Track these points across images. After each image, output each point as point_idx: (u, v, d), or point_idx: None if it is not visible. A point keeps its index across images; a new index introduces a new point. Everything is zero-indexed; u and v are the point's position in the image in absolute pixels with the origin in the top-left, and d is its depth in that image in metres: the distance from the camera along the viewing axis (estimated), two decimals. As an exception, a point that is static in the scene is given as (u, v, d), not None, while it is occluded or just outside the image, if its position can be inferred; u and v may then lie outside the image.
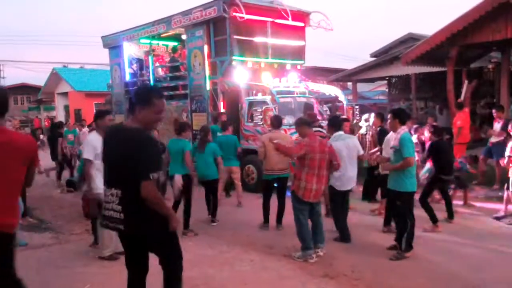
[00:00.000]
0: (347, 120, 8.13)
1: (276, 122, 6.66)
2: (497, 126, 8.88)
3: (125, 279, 3.18)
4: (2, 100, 2.99)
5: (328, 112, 10.98)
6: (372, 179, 7.53)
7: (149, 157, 2.84)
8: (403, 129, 5.16)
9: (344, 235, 5.84)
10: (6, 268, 2.89)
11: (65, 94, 31.11)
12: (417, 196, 6.65)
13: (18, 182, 2.97)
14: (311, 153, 5.05)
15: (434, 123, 8.77)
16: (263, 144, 6.42)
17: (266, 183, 6.66)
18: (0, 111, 2.95)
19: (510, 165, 6.66)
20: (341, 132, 6.07)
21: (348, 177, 5.88)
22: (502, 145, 8.87)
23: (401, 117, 5.26)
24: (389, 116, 5.45)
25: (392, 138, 5.50)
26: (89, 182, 4.98)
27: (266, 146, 6.34)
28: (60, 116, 30.13)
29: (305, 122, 5.47)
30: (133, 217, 2.90)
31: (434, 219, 6.23)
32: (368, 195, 7.97)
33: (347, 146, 5.87)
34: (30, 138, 3.27)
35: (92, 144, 4.94)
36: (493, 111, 9.21)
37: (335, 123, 6.15)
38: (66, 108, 31.55)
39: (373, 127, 7.62)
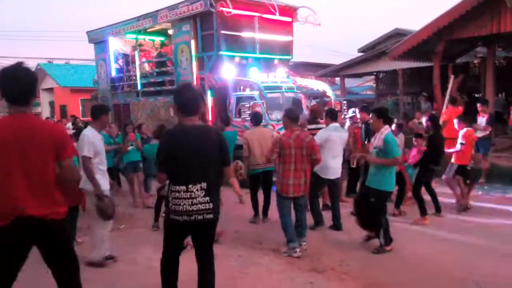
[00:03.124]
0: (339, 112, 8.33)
1: (256, 119, 6.79)
2: (482, 120, 8.93)
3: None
4: (28, 83, 2.70)
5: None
6: (351, 173, 7.58)
7: (228, 147, 3.50)
8: (386, 129, 5.14)
9: (318, 221, 6.07)
10: (69, 250, 2.90)
11: (50, 90, 30.69)
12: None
13: (47, 172, 2.73)
14: (284, 148, 5.07)
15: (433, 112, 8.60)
16: (246, 140, 6.50)
17: (252, 178, 6.72)
18: (25, 97, 2.69)
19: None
20: (337, 124, 6.27)
21: (335, 167, 6.11)
22: (488, 140, 8.96)
23: (384, 116, 5.25)
24: (371, 115, 5.45)
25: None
26: (94, 181, 4.64)
27: (250, 142, 6.45)
28: (45, 112, 29.72)
29: (288, 115, 5.32)
30: (217, 204, 3.34)
31: (424, 212, 6.30)
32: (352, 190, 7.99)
33: (340, 138, 6.14)
34: (57, 126, 3.05)
35: (91, 141, 4.72)
36: (478, 105, 9.27)
37: (333, 115, 6.35)
38: (52, 104, 31.14)
39: (359, 122, 7.64)
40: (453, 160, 7.01)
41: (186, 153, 3.24)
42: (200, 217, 3.23)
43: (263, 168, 6.52)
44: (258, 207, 6.68)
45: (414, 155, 7.10)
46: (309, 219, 5.86)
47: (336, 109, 8.77)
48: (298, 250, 5.09)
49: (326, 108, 10.70)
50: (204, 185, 3.23)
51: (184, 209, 3.22)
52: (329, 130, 6.09)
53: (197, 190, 3.21)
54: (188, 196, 3.21)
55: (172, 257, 3.47)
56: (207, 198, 3.23)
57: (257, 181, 6.72)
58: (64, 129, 3.06)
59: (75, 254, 2.96)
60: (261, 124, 6.91)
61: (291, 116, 5.29)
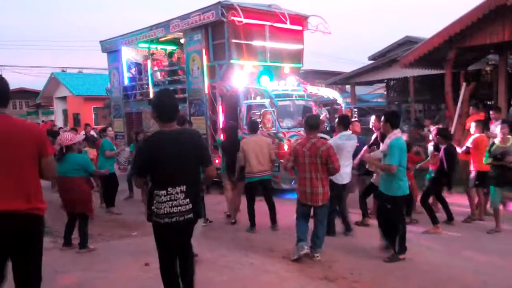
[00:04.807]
0: (358, 121, 8.49)
1: (252, 127, 6.91)
2: (494, 127, 8.83)
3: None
4: (2, 90, 3.01)
5: (327, 116, 10.99)
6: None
7: (207, 148, 3.52)
8: (394, 134, 5.05)
9: (330, 229, 5.96)
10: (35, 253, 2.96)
11: (63, 98, 31.09)
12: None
13: (28, 169, 2.91)
14: (298, 157, 5.10)
15: (440, 126, 8.55)
16: (242, 149, 6.55)
17: (248, 187, 6.76)
18: (1, 101, 2.97)
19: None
20: (349, 132, 6.32)
21: (347, 172, 6.18)
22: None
23: (392, 120, 5.14)
24: (381, 119, 5.40)
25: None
26: None
27: (245, 151, 6.51)
28: (59, 121, 30.10)
29: (307, 122, 5.33)
30: (196, 205, 3.47)
31: (434, 220, 6.25)
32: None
33: (352, 146, 6.18)
34: (34, 124, 3.20)
35: None
36: (491, 112, 9.17)
37: (345, 122, 6.34)
38: (65, 112, 31.55)
39: (373, 129, 7.63)
40: (472, 168, 6.85)
41: (164, 159, 3.36)
42: (181, 218, 3.38)
43: (259, 176, 6.56)
44: (254, 217, 6.64)
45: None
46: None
47: (354, 118, 8.90)
48: (306, 247, 5.09)
49: (338, 115, 10.72)
50: (183, 187, 3.37)
51: (165, 212, 3.35)
52: (343, 139, 6.08)
53: (177, 193, 3.35)
54: (168, 199, 3.35)
55: (168, 259, 3.55)
56: (187, 200, 3.38)
57: (253, 190, 6.72)
58: (41, 128, 3.25)
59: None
60: (257, 132, 7.01)
61: (310, 123, 5.28)
